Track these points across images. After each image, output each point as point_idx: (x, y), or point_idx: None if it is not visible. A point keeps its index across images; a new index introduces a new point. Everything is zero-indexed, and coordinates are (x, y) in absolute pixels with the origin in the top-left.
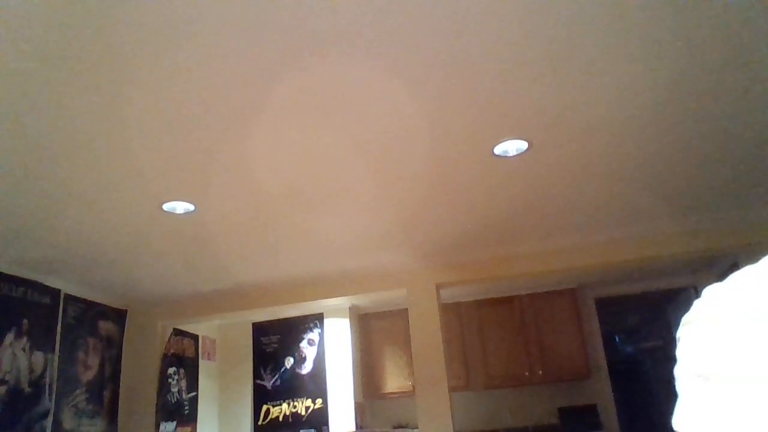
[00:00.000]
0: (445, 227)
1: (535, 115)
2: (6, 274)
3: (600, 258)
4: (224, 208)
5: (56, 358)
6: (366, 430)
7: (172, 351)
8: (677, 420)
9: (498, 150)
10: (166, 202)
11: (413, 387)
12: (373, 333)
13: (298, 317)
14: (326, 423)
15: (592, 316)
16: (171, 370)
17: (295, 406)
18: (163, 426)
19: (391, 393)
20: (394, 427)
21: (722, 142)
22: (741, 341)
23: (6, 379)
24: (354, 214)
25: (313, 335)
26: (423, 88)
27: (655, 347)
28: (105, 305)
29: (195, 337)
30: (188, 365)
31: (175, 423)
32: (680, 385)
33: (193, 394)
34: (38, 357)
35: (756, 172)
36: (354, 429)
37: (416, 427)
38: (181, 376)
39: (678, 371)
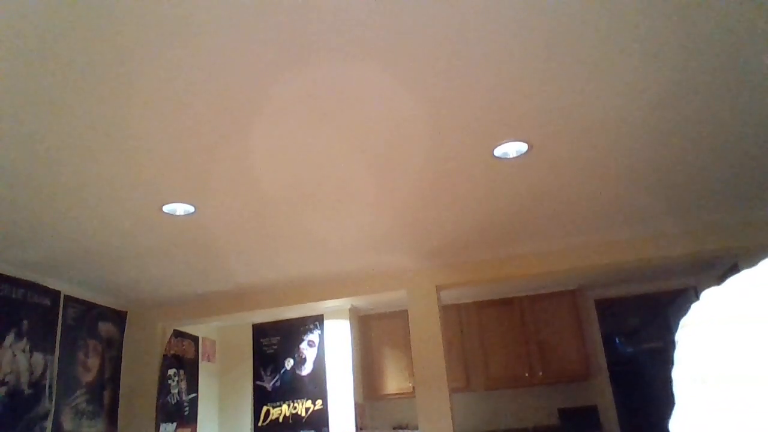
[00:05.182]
0: (446, 229)
1: (535, 116)
2: (6, 276)
3: (600, 259)
4: (224, 210)
5: (56, 360)
6: (366, 431)
7: (172, 352)
8: (674, 423)
9: (498, 152)
10: (166, 203)
11: (413, 388)
12: (373, 334)
13: (298, 318)
14: (326, 424)
15: (592, 318)
16: (171, 372)
17: (295, 408)
18: (163, 427)
19: (392, 394)
20: (394, 429)
21: (722, 142)
22: (738, 344)
23: (6, 380)
24: (354, 215)
25: (313, 336)
26: (423, 89)
27: (655, 348)
28: (105, 306)
29: (195, 339)
30: (188, 366)
31: (175, 424)
32: (677, 388)
33: (193, 395)
34: (38, 358)
35: (756, 173)
36: (354, 430)
37: (416, 429)
38: (181, 377)
39: (676, 374)
